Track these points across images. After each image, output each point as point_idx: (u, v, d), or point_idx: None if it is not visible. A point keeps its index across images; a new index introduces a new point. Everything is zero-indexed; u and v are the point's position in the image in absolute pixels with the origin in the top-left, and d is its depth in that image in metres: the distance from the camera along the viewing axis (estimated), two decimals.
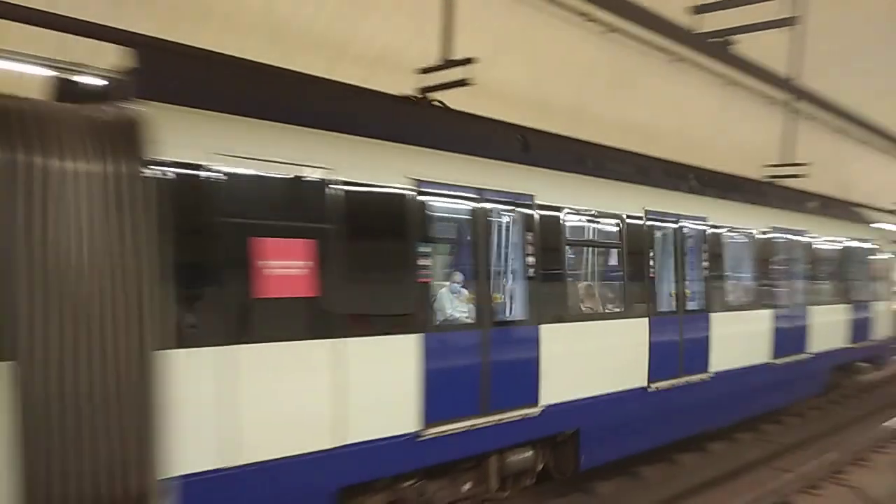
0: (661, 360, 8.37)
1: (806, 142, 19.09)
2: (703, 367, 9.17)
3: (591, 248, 8.86)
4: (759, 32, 14.85)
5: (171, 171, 4.48)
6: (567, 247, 7.45)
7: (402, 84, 11.11)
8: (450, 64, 7.98)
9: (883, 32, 17.98)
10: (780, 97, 16.96)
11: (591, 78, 14.05)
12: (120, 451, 4.26)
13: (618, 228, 8.05)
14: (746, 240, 10.55)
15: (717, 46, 7.05)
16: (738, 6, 8.78)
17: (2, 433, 3.81)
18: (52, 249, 4.09)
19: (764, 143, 18.53)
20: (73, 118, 4.34)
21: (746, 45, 12.68)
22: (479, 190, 6.41)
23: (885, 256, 15.38)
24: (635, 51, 14.29)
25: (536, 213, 6.94)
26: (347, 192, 5.32)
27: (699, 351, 9.12)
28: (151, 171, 4.40)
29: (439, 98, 7.50)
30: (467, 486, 6.68)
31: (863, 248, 14.45)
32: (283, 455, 4.92)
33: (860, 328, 13.74)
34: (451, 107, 7.32)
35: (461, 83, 7.94)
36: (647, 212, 8.46)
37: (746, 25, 8.17)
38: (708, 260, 9.44)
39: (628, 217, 8.12)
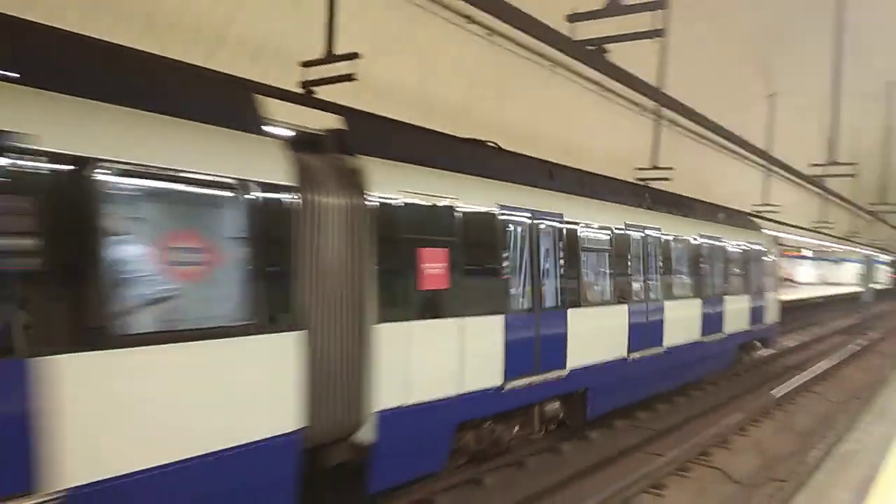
0: (636, 336, 11.07)
1: (672, 148, 20.43)
2: (660, 342, 11.89)
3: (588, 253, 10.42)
4: (631, 43, 15.86)
5: (377, 202, 6.47)
6: (582, 252, 9.87)
7: (286, 77, 10.86)
8: (334, 58, 7.84)
9: (737, 51, 19.58)
10: (650, 105, 18.03)
11: (475, 80, 14.32)
12: (353, 390, 6.35)
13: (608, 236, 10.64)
14: (693, 244, 13.63)
15: (593, 54, 7.32)
16: (611, 16, 9.18)
17: (302, 371, 5.66)
18: (320, 257, 6.01)
19: (636, 149, 19.65)
20: (325, 166, 6.33)
21: (619, 55, 13.41)
22: (532, 210, 8.78)
23: (771, 258, 18.27)
24: (517, 55, 14.71)
25: (565, 227, 9.46)
26: (465, 213, 7.55)
27: (657, 329, 11.93)
28: (368, 203, 6.40)
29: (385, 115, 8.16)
30: (517, 429, 9.11)
31: (757, 250, 17.21)
32: (432, 399, 7.09)
33: (756, 314, 16.80)
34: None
35: (347, 78, 7.84)
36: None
37: (618, 35, 8.54)
38: (663, 262, 12.30)
39: (617, 228, 10.87)
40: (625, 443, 10.65)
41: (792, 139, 25.77)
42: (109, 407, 4.41)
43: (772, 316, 18.19)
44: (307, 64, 8.07)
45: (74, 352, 4.20)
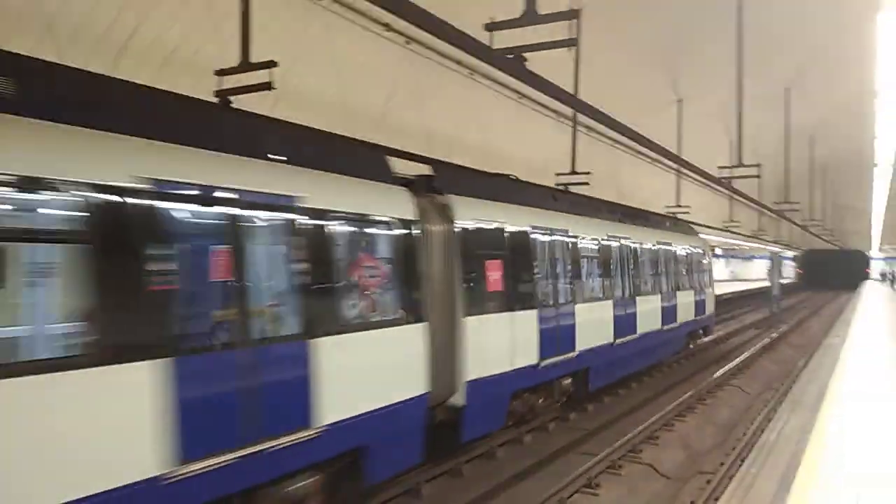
0: (619, 325, 13.63)
1: (589, 153, 20.93)
2: (635, 330, 14.46)
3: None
4: (547, 52, 16.15)
5: (460, 228, 8.82)
6: (581, 259, 12.48)
7: (199, 87, 10.45)
8: (251, 66, 7.58)
9: (646, 58, 20.28)
10: (567, 111, 18.41)
11: (395, 87, 14.24)
12: (451, 365, 8.57)
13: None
14: (654, 250, 16.51)
15: (513, 62, 7.35)
16: (527, 25, 9.28)
17: (425, 353, 7.80)
18: (431, 269, 8.28)
19: (555, 155, 20.02)
20: (427, 203, 8.51)
21: (535, 64, 13.63)
22: (549, 228, 11.42)
23: (707, 258, 21.52)
24: (436, 63, 14.72)
25: (570, 240, 12.11)
26: (510, 233, 10.06)
27: (632, 319, 14.61)
28: (455, 228, 8.76)
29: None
30: (543, 399, 11.39)
31: (697, 252, 20.43)
32: (498, 372, 9.42)
33: (699, 307, 19.85)
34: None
35: (265, 86, 7.59)
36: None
37: (535, 44, 8.63)
38: (634, 265, 15.17)
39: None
40: (558, 444, 10.74)
41: (700, 143, 26.91)
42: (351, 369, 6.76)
43: (710, 308, 21.32)
44: (221, 73, 7.78)
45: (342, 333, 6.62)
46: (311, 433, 6.05)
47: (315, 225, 6.42)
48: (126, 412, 4.65)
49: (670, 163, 21.20)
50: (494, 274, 9.43)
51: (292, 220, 6.17)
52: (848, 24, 16.17)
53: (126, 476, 4.60)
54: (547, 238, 11.27)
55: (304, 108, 13.13)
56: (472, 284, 8.96)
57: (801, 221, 37.24)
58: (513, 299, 9.89)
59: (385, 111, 14.59)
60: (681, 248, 18.77)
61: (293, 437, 5.86)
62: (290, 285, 6.16)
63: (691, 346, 20.38)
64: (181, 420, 4.90)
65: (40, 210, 4.69)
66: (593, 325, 12.52)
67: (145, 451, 4.72)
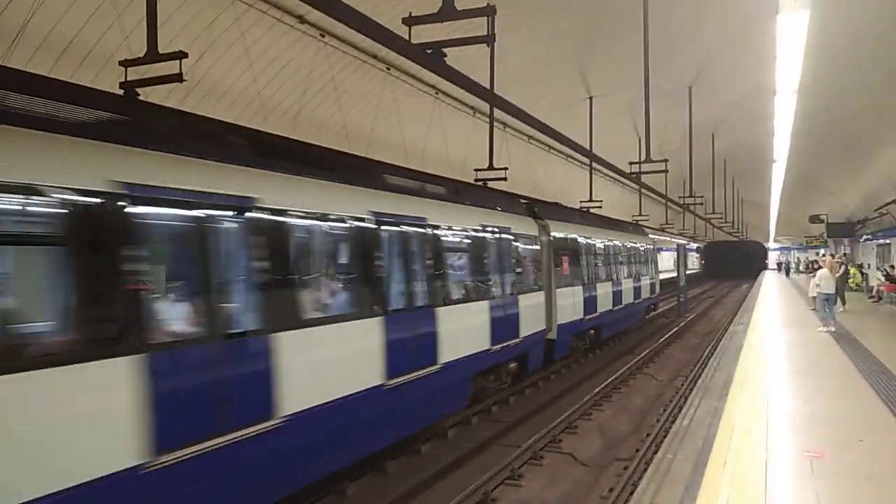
0: (564, 311, 16.01)
1: (505, 149, 21.18)
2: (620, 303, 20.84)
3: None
4: (463, 49, 16.20)
5: (552, 238, 15.62)
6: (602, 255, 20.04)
7: (103, 78, 9.91)
8: (158, 57, 7.22)
9: (558, 55, 20.67)
10: (483, 107, 18.55)
11: (311, 81, 13.93)
12: (550, 315, 15.21)
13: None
14: (628, 247, 24.17)
15: (433, 57, 7.31)
16: (445, 21, 9.26)
17: (544, 308, 15.05)
18: (541, 262, 15.21)
19: (471, 150, 20.14)
20: (535, 223, 15.14)
21: (452, 58, 13.67)
22: (582, 236, 18.17)
23: (654, 252, 28.82)
24: (353, 57, 14.51)
25: (593, 243, 19.15)
26: (571, 239, 17.35)
27: (619, 297, 21.51)
28: (549, 240, 15.53)
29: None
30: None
31: (648, 248, 28.40)
32: (569, 321, 16.45)
33: (652, 288, 27.67)
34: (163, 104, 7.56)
35: (174, 78, 7.25)
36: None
37: (453, 39, 8.64)
38: (624, 260, 23.26)
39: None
40: (481, 437, 10.83)
41: (611, 139, 27.72)
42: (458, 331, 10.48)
43: (657, 289, 29.01)
44: (127, 63, 7.38)
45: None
46: (517, 340, 12.83)
47: (516, 243, 13.63)
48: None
49: (583, 158, 21.74)
50: (564, 264, 16.28)
51: (510, 241, 13.30)
52: (748, 25, 16.99)
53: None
54: (583, 242, 18.29)
55: (214, 100, 12.69)
56: (558, 271, 15.75)
57: (705, 214, 39.04)
58: (570, 277, 16.69)
59: (301, 106, 14.27)
60: (639, 245, 26.48)
61: (510, 342, 12.38)
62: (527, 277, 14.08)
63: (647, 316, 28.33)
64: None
65: None
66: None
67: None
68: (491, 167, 16.54)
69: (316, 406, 6.81)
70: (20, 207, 4.53)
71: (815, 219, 39.97)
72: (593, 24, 18.70)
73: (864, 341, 14.34)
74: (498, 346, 11.68)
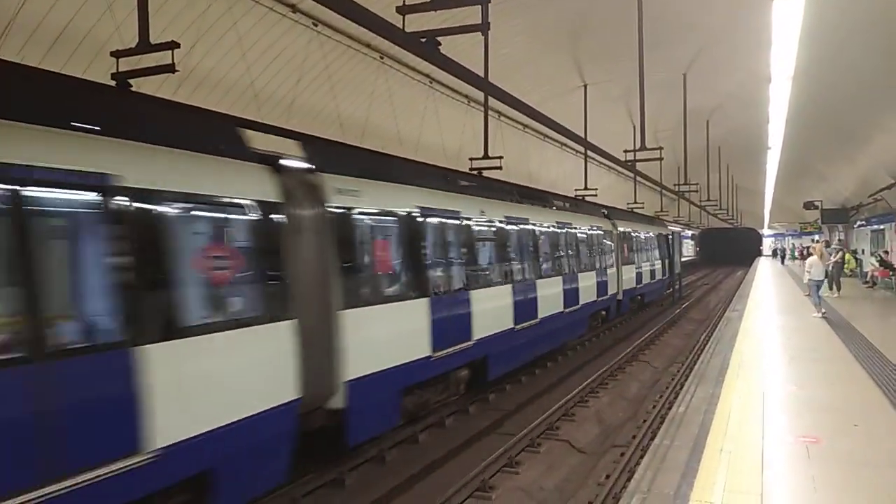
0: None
1: (499, 138, 21.14)
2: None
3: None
4: (457, 37, 16.12)
5: (619, 233, 22.92)
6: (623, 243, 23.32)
7: (95, 69, 9.83)
8: (150, 48, 7.14)
9: (553, 43, 20.61)
10: (478, 96, 18.50)
11: (304, 71, 13.86)
12: (616, 284, 21.47)
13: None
14: (649, 237, 28.31)
15: (428, 46, 7.26)
16: (439, 9, 9.20)
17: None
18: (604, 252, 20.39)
19: (466, 139, 20.10)
20: (608, 224, 21.92)
21: (446, 47, 13.61)
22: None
23: (671, 239, 32.95)
24: (346, 46, 14.44)
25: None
26: (623, 233, 22.82)
27: (640, 276, 25.11)
28: (617, 234, 22.62)
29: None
30: (601, 315, 19.03)
31: (667, 235, 32.11)
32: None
33: (674, 268, 33.21)
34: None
35: (167, 69, 7.19)
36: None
37: (447, 28, 8.58)
38: (645, 248, 26.81)
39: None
40: (479, 426, 10.86)
41: (606, 127, 27.69)
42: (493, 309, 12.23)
43: (676, 269, 34.00)
44: (119, 54, 7.31)
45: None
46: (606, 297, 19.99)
47: (603, 238, 20.75)
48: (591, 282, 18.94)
49: (578, 146, 21.72)
50: (626, 250, 22.95)
51: (601, 236, 20.54)
52: (743, 12, 16.93)
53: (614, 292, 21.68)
54: (638, 235, 24.49)
55: (207, 91, 12.61)
56: (622, 254, 22.50)
57: (699, 202, 39.07)
58: (630, 260, 23.54)
59: (295, 95, 14.20)
60: (662, 233, 31.53)
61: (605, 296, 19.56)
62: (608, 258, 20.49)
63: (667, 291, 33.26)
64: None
65: None
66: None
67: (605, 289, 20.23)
68: (486, 156, 16.52)
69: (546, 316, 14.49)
70: None
71: (809, 205, 40.05)
72: (587, 12, 18.63)
73: (859, 326, 14.41)
74: (601, 298, 19.48)
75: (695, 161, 34.85)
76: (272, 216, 6.66)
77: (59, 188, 4.79)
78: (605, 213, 22.50)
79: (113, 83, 7.14)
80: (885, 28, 13.85)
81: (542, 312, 14.25)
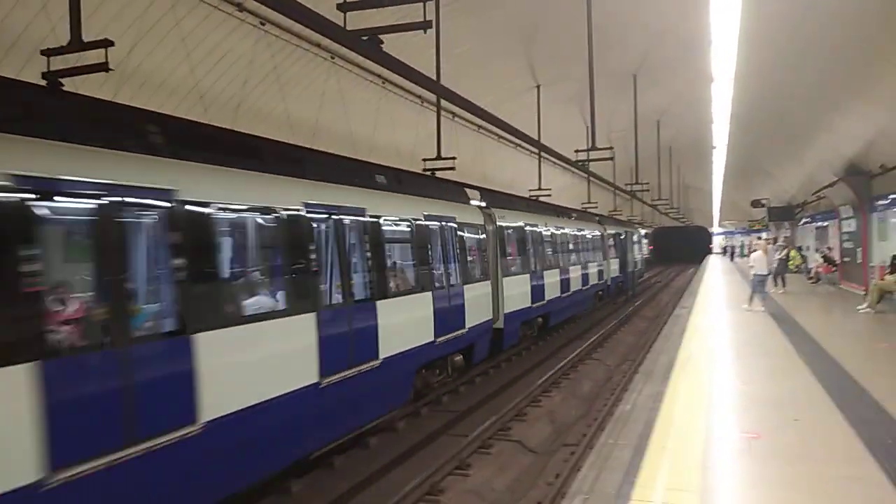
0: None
1: (453, 139, 21.12)
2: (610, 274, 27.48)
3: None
4: (408, 37, 16.05)
5: (608, 233, 31.52)
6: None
7: (28, 69, 9.47)
8: (83, 46, 6.89)
9: (505, 44, 20.69)
10: (431, 97, 18.45)
11: (252, 71, 13.61)
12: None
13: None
14: (621, 239, 33.61)
15: (368, 44, 7.17)
16: (382, 7, 9.11)
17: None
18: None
19: (420, 140, 20.03)
20: (599, 227, 30.13)
21: (396, 48, 13.51)
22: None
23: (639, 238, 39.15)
24: (295, 46, 14.23)
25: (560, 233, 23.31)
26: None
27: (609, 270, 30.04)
28: (607, 234, 30.87)
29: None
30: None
31: (635, 234, 38.58)
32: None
33: (641, 263, 42.15)
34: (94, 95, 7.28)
35: (100, 67, 6.95)
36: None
37: (390, 26, 8.48)
38: (624, 248, 33.78)
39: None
40: (430, 428, 10.81)
41: (560, 127, 27.93)
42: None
43: (641, 266, 40.89)
44: (49, 52, 7.04)
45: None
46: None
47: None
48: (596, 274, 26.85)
49: (531, 147, 21.86)
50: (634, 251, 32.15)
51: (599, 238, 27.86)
52: (685, 11, 17.24)
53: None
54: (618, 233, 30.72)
55: (150, 92, 12.29)
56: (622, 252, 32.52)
57: (651, 201, 39.74)
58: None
59: (242, 96, 13.94)
60: (631, 235, 36.35)
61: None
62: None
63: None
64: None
65: None
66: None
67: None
68: (439, 157, 16.49)
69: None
70: None
71: (756, 203, 41.08)
72: (539, 13, 18.75)
73: (802, 321, 14.80)
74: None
75: (647, 161, 35.43)
76: (481, 230, 14.58)
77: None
78: (599, 220, 23.12)
79: (43, 82, 6.87)
80: (826, 29, 14.25)
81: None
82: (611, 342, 19.98)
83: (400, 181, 11.57)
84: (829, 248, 26.86)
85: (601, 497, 5.08)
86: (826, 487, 5.29)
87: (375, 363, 9.22)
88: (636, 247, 38.92)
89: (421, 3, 8.31)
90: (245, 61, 13.42)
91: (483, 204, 15.65)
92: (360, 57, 15.19)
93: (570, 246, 23.44)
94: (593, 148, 17.52)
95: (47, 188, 5.05)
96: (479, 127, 24.48)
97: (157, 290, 6.13)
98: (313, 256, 8.03)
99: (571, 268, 22.60)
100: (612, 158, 18.15)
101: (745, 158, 34.16)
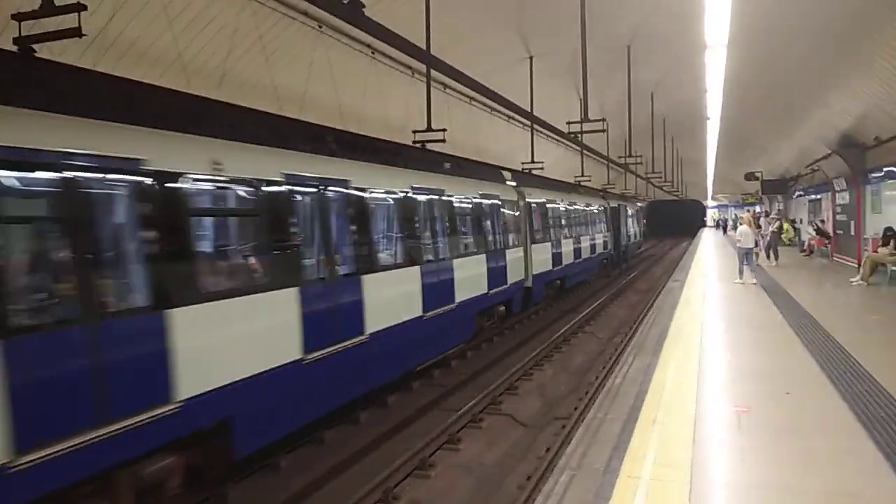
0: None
1: (444, 111, 20.82)
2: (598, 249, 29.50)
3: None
4: (397, 5, 15.68)
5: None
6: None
7: (6, 36, 9.15)
8: (55, 10, 6.64)
9: (497, 13, 20.29)
10: (421, 68, 18.11)
11: (237, 41, 13.26)
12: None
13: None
14: (631, 212, 41.86)
15: (348, 8, 6.88)
16: None
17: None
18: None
19: (411, 112, 19.72)
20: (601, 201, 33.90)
21: (385, 18, 13.18)
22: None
23: (638, 211, 45.31)
24: (282, 14, 13.87)
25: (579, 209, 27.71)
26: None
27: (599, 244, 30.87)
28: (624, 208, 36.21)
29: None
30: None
31: (638, 207, 45.35)
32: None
33: (641, 234, 48.42)
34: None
35: (73, 32, 6.69)
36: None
37: None
38: (624, 222, 38.09)
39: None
40: (421, 402, 10.75)
41: (553, 99, 27.59)
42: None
43: (640, 237, 45.06)
44: (19, 17, 6.78)
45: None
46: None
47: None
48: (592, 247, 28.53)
49: (523, 119, 21.58)
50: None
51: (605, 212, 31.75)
52: None
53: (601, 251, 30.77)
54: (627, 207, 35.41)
55: (132, 61, 11.96)
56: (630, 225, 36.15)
57: (644, 174, 39.53)
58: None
59: (227, 66, 13.61)
60: (633, 206, 41.48)
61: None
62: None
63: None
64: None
65: None
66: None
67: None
68: (429, 129, 16.24)
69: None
70: None
71: (750, 176, 40.91)
72: None
73: (795, 294, 14.75)
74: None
75: (641, 134, 35.14)
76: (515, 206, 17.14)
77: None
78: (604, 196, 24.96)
79: (15, 48, 6.63)
80: (816, 5, 14.00)
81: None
82: (603, 315, 19.95)
83: (461, 167, 16.05)
84: (823, 221, 26.80)
85: (589, 472, 5.00)
86: (817, 461, 5.22)
87: (452, 306, 12.49)
88: (632, 220, 41.55)
89: None
90: (229, 30, 13.06)
91: (515, 183, 19.14)
92: (349, 26, 14.89)
93: (582, 218, 26.40)
94: (586, 120, 17.27)
95: None
96: (471, 99, 24.11)
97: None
98: (417, 224, 11.64)
99: (583, 238, 25.75)
100: (604, 131, 17.90)
101: (738, 131, 33.94)
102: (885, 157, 18.08)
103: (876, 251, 16.86)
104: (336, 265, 8.85)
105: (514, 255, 16.61)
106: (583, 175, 33.74)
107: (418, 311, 11.07)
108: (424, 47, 14.53)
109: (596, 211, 29.99)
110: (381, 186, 10.70)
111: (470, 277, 13.56)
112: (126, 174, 5.91)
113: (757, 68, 20.81)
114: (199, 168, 6.62)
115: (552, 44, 23.45)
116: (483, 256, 14.46)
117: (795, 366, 8.33)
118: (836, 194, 23.74)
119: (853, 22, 13.80)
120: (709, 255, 30.49)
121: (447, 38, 18.68)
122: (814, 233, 26.71)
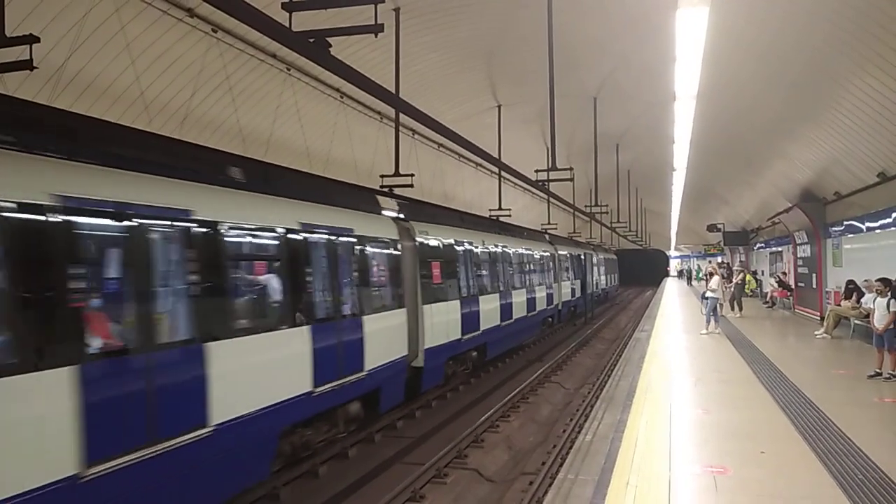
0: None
1: (413, 156, 20.78)
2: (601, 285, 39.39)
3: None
4: (366, 51, 15.67)
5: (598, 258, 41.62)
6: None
7: None
8: (6, 41, 6.35)
9: (465, 62, 20.46)
10: (390, 112, 18.09)
11: (203, 80, 13.04)
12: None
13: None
14: (611, 259, 50.89)
15: (314, 47, 6.65)
16: (328, 8, 8.57)
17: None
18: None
19: (378, 157, 19.62)
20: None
21: (355, 62, 13.09)
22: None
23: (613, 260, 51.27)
24: (250, 56, 13.73)
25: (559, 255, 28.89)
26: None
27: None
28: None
29: None
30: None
31: (612, 259, 52.42)
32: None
33: (616, 279, 54.82)
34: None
35: (24, 65, 6.39)
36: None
37: (338, 28, 7.98)
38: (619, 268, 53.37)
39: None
40: (384, 455, 10.30)
41: (520, 147, 27.84)
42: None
43: (609, 287, 46.80)
44: None
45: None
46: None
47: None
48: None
49: (491, 166, 21.61)
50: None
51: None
52: (649, 28, 17.23)
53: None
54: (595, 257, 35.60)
55: (92, 98, 11.64)
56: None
57: (610, 223, 39.95)
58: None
59: (191, 105, 13.35)
60: (605, 258, 44.14)
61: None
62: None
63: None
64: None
65: None
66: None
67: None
68: (397, 173, 16.11)
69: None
70: None
71: (712, 227, 41.62)
72: (500, 32, 18.58)
73: (762, 347, 14.71)
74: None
75: (606, 183, 35.60)
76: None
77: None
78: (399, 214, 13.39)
79: None
80: (789, 59, 14.34)
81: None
82: (570, 365, 19.71)
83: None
84: (784, 273, 27.19)
85: None
86: None
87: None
88: (597, 269, 39.68)
89: (365, 5, 7.79)
90: (195, 70, 12.84)
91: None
92: (318, 68, 14.78)
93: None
94: (553, 168, 17.33)
95: None
96: (440, 145, 24.19)
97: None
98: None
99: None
100: (571, 179, 17.97)
101: (702, 182, 34.57)
102: (845, 212, 18.43)
103: (839, 304, 17.02)
104: None
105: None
106: (549, 222, 33.94)
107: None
108: (392, 90, 14.48)
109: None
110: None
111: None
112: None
113: (724, 120, 21.25)
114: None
115: (520, 93, 23.73)
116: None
117: (767, 422, 8.16)
118: (798, 247, 24.14)
119: (817, 75, 14.14)
120: (673, 305, 30.64)
121: (416, 83, 18.75)
122: (776, 284, 27.04)
